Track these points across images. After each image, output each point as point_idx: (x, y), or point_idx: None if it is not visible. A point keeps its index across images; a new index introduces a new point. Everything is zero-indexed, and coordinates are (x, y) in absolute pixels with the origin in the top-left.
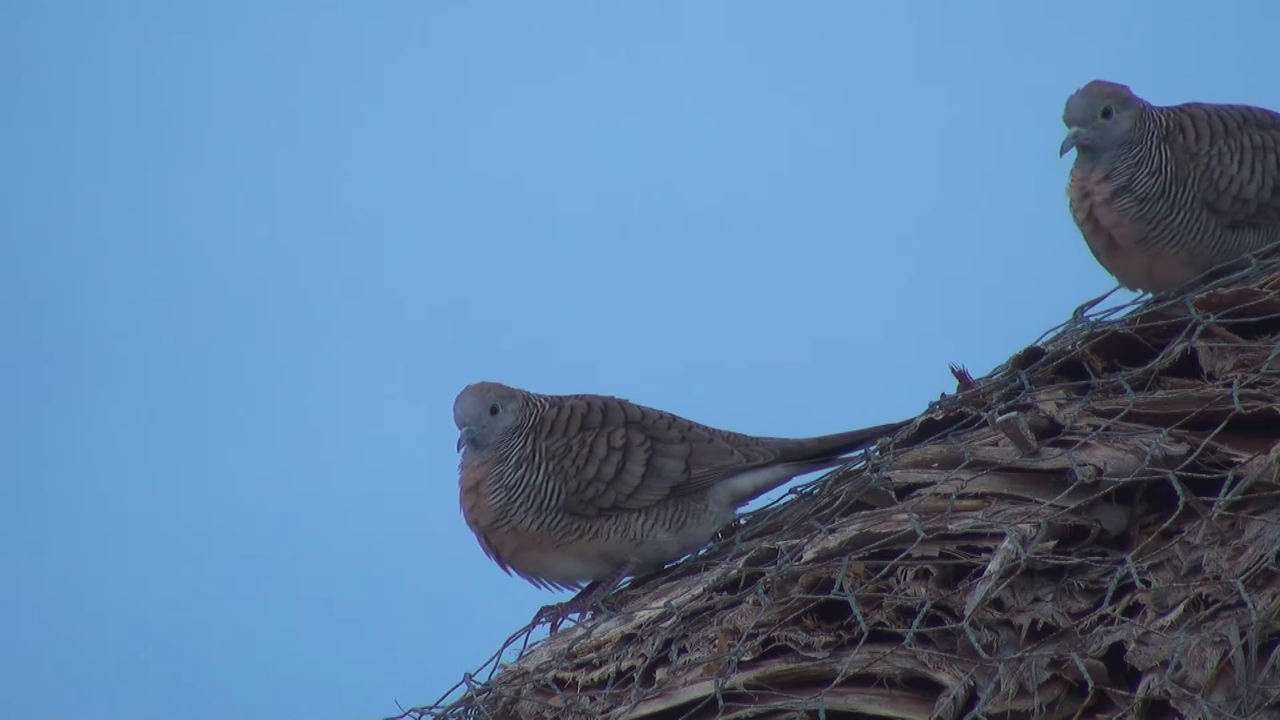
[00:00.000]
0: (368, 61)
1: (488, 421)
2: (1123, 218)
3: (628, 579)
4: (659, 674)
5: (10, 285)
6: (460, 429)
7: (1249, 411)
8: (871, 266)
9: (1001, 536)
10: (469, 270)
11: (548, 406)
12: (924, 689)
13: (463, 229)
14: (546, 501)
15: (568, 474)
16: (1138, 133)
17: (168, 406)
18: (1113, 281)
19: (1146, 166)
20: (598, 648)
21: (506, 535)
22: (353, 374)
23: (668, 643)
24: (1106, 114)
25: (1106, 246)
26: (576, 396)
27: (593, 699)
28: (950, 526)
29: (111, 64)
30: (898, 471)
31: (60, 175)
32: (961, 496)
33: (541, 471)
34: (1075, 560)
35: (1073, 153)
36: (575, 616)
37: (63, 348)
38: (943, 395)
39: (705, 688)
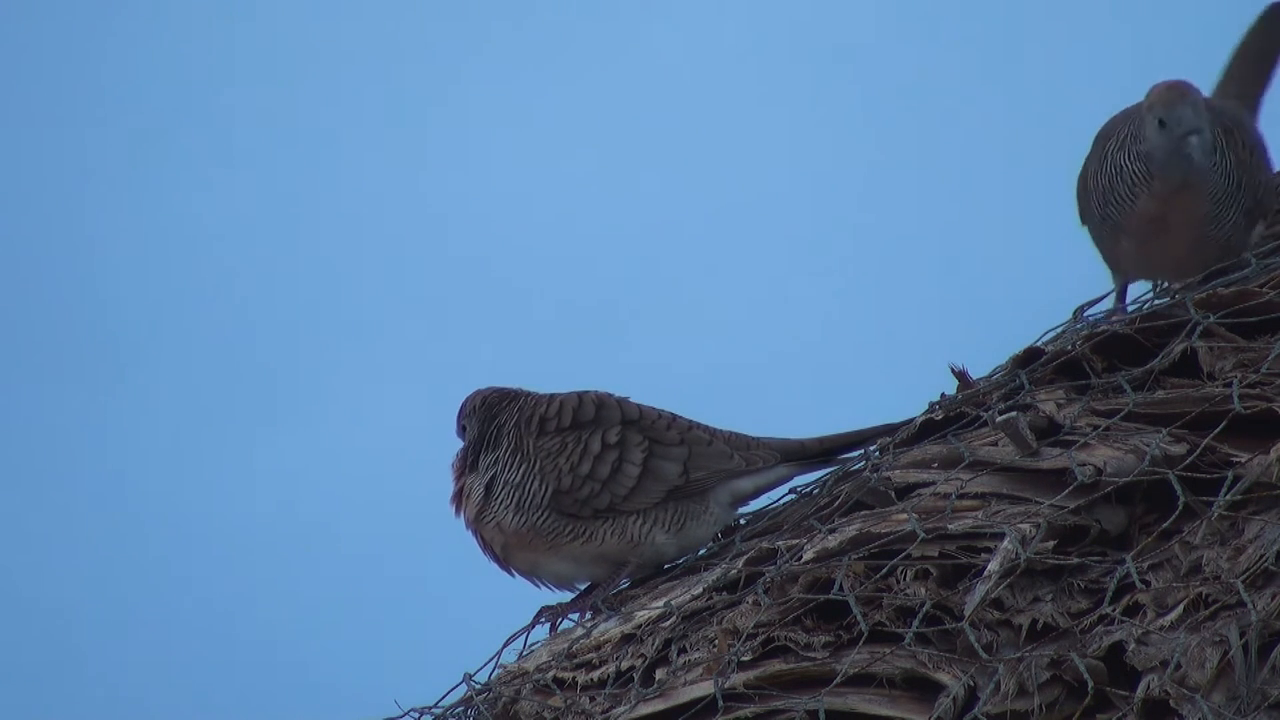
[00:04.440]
0: (374, 64)
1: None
2: (1197, 198)
3: (626, 580)
4: (659, 674)
5: (28, 286)
6: None
7: (1249, 411)
8: (872, 266)
9: (1001, 536)
10: (474, 270)
11: (541, 404)
12: (924, 689)
13: (468, 229)
14: (527, 500)
15: (561, 471)
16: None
17: (171, 407)
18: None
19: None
20: (597, 648)
21: (494, 532)
22: (352, 376)
23: (667, 643)
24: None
25: (1156, 232)
26: (571, 393)
27: (592, 699)
28: (950, 526)
29: (142, 68)
30: (898, 471)
31: (83, 177)
32: (961, 496)
33: (521, 470)
34: (1075, 560)
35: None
36: (575, 616)
37: (69, 349)
38: (943, 395)
39: (705, 688)
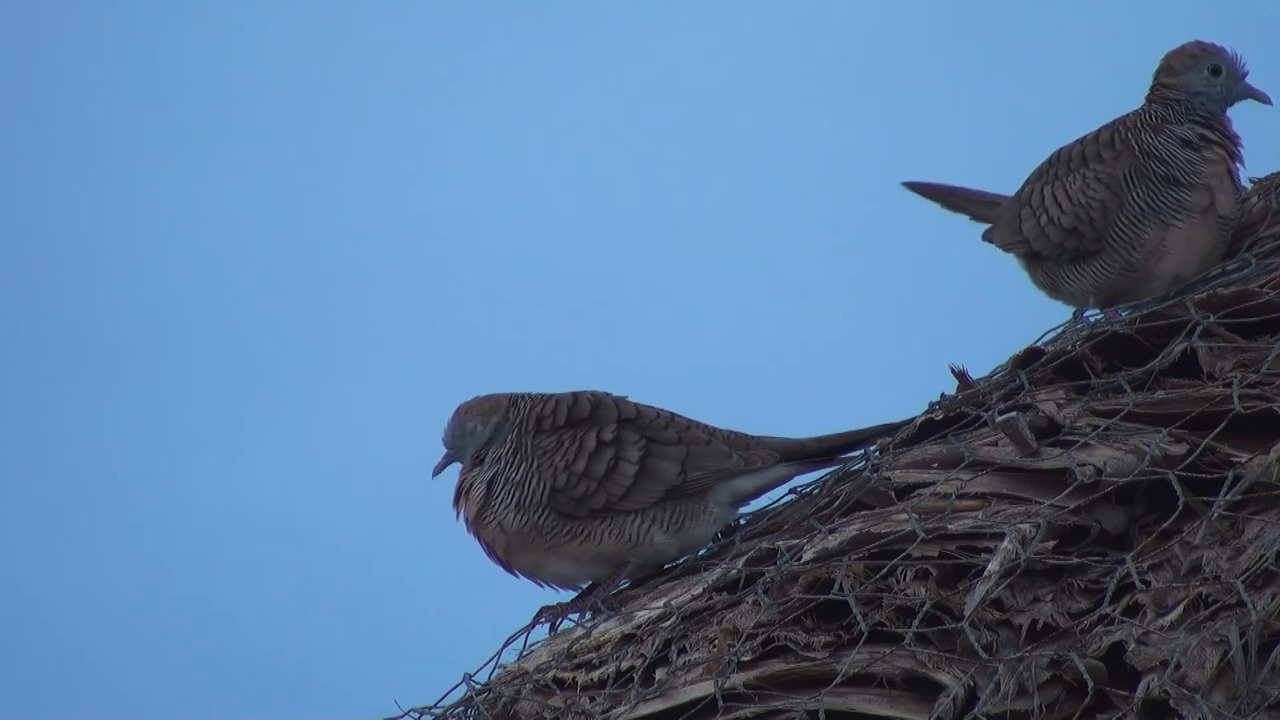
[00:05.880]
0: (377, 64)
1: (465, 442)
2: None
3: (626, 580)
4: (659, 674)
5: (23, 285)
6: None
7: (1249, 411)
8: (872, 266)
9: (1001, 536)
10: (475, 269)
11: (537, 404)
12: (924, 689)
13: (468, 228)
14: (527, 499)
15: (557, 469)
16: None
17: (169, 408)
18: None
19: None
20: (597, 648)
21: (495, 532)
22: (353, 375)
23: (667, 643)
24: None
25: (1208, 206)
26: (568, 392)
27: (592, 699)
28: (950, 526)
29: (143, 68)
30: (898, 471)
31: (79, 177)
32: (961, 496)
33: (521, 469)
34: (1075, 560)
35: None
36: (575, 616)
37: (63, 348)
38: (943, 395)
39: (705, 688)
